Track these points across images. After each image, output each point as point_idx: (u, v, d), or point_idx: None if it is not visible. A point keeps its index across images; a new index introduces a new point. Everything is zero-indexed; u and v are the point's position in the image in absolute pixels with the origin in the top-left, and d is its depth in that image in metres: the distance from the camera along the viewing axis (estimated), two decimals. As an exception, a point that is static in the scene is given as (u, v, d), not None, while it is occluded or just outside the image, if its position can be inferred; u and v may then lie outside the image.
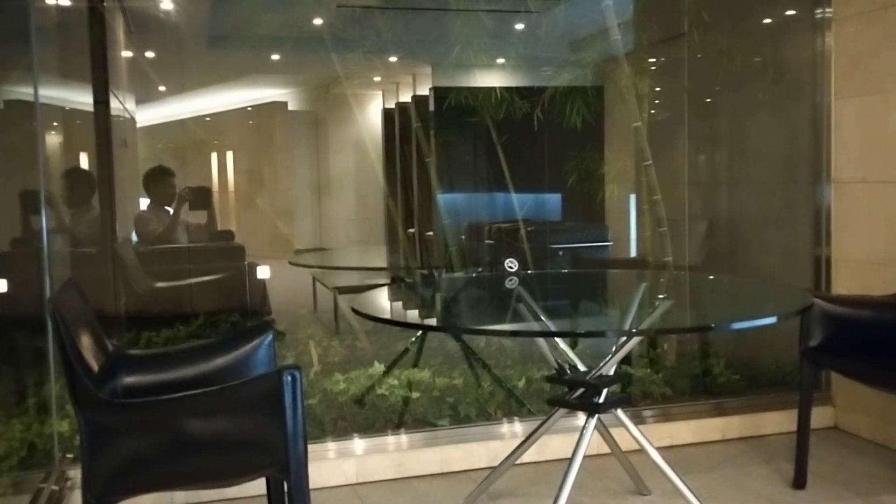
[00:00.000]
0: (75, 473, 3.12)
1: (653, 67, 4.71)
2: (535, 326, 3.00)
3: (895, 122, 3.62)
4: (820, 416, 3.88)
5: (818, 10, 3.97)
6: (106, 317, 3.89)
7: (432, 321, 3.47)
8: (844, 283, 3.92)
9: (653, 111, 4.69)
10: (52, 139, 4.06)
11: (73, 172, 4.27)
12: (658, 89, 4.74)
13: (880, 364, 3.09)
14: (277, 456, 2.10)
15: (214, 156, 6.21)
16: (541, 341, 2.94)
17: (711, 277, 4.18)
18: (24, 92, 3.28)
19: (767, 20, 4.49)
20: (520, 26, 5.25)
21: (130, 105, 4.68)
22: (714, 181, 4.83)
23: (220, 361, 2.62)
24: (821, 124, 4.00)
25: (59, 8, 3.92)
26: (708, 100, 4.77)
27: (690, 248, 4.57)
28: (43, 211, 3.25)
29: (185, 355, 2.66)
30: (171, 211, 4.49)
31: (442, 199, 5.46)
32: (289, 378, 2.10)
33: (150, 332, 4.02)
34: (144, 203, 4.59)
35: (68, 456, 3.24)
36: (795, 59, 4.17)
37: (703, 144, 4.82)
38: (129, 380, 2.52)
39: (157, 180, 4.55)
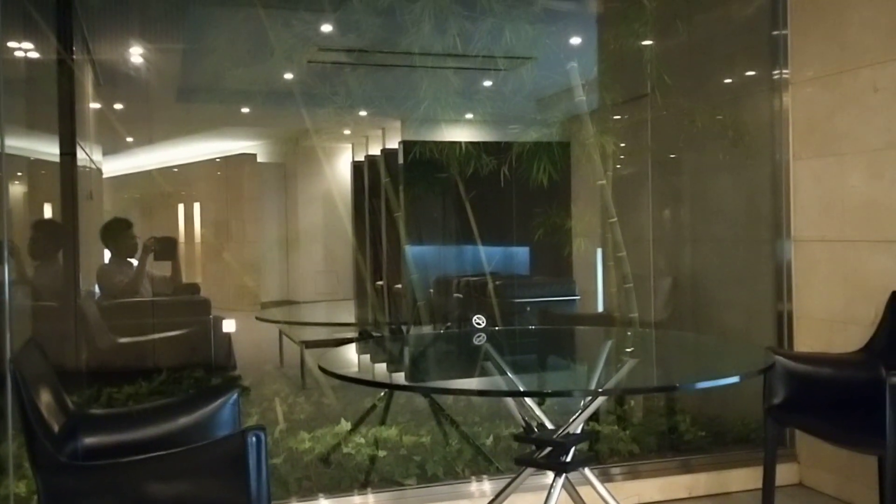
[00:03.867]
0: (30, 537, 3.03)
1: (618, 125, 4.81)
2: (502, 384, 2.99)
3: (850, 184, 3.73)
4: (785, 473, 3.90)
5: (775, 72, 4.10)
6: (67, 372, 3.81)
7: (400, 377, 3.46)
8: (806, 339, 3.98)
9: (619, 166, 4.77)
10: (17, 189, 4.03)
11: (42, 224, 4.22)
12: (623, 145, 4.83)
13: (841, 422, 3.12)
14: (241, 520, 2.07)
15: (181, 207, 6.18)
16: (508, 399, 2.94)
17: (677, 334, 4.22)
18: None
19: (728, 80, 4.63)
20: (488, 83, 5.35)
21: (97, 156, 4.66)
22: (678, 238, 4.91)
23: (183, 421, 2.59)
24: (780, 184, 4.10)
25: (27, 60, 3.92)
26: (672, 156, 4.87)
27: (656, 305, 4.62)
28: (5, 264, 3.20)
29: (148, 415, 2.62)
30: (135, 262, 4.45)
31: (410, 252, 5.47)
32: (253, 440, 2.08)
33: (112, 389, 3.95)
34: (108, 256, 4.55)
35: (23, 518, 3.14)
36: (755, 120, 4.29)
37: (667, 202, 4.91)
38: (90, 440, 2.47)
39: (116, 233, 4.50)
